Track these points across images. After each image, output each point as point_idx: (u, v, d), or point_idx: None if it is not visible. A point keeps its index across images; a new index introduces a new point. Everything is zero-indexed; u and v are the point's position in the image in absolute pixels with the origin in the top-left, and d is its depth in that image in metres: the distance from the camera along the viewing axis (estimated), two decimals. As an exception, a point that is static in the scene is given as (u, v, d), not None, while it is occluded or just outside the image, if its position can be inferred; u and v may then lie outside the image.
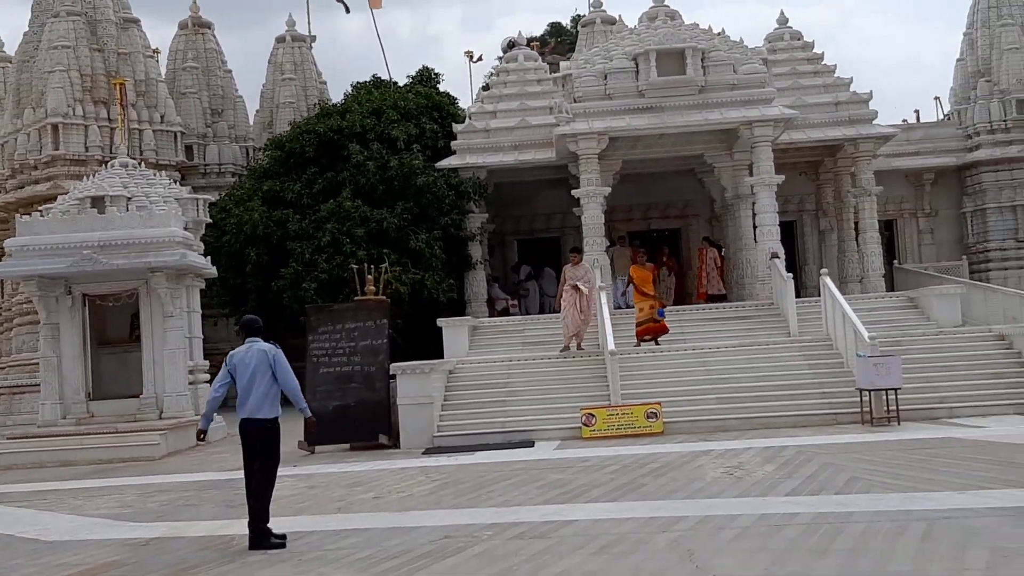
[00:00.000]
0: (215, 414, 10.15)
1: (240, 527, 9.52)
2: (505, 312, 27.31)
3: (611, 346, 18.17)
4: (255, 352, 9.43)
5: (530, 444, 16.20)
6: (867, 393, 16.19)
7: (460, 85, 52.14)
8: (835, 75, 28.07)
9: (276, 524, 9.39)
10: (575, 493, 11.06)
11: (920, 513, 8.71)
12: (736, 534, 8.37)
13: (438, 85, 31.36)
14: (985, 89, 30.60)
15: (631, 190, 28.39)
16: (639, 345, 20.10)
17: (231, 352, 9.60)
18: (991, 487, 9.84)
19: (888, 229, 31.07)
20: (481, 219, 27.29)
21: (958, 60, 31.93)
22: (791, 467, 11.97)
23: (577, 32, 37.15)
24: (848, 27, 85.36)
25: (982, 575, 6.61)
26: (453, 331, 22.03)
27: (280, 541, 9.12)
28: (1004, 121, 30.14)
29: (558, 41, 56.79)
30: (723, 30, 25.51)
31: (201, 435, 9.90)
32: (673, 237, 30.69)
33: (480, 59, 37.27)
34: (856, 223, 27.40)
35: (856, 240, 27.44)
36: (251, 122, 34.20)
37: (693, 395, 17.73)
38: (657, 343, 20.22)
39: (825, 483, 10.67)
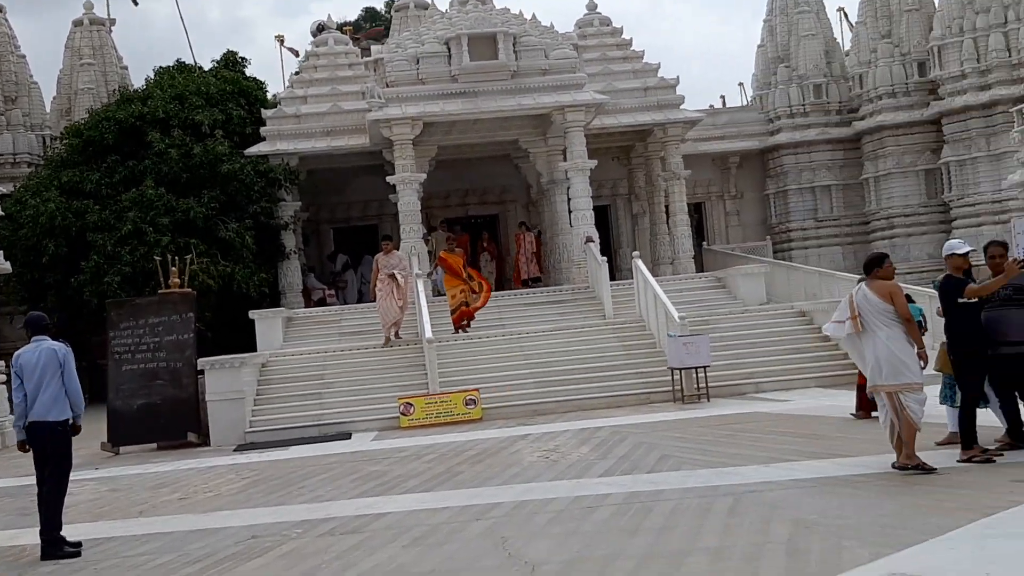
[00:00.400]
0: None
1: (33, 536, 8.93)
2: (322, 302, 26.82)
3: (429, 334, 18.01)
4: (44, 351, 8.86)
5: (347, 436, 15.90)
6: (678, 372, 16.56)
7: (275, 71, 50.95)
8: (644, 61, 28.62)
9: (73, 531, 8.85)
10: (391, 484, 10.84)
11: (727, 488, 8.87)
12: (550, 518, 8.32)
13: (244, 70, 30.49)
14: (784, 75, 31.77)
15: (448, 176, 28.28)
16: (457, 332, 20.00)
17: (16, 352, 9.00)
18: (795, 459, 10.13)
19: (697, 211, 31.96)
20: (294, 207, 26.67)
21: (759, 46, 33.06)
22: (605, 448, 12.08)
23: (391, 17, 36.70)
24: (658, 13, 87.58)
25: (784, 548, 6.72)
26: (266, 323, 21.45)
27: (74, 550, 8.57)
28: (803, 105, 31.37)
29: (373, 26, 56.15)
30: (534, 15, 25.64)
31: (24, 446, 9.08)
32: (491, 223, 30.75)
33: (297, 54, 36.35)
34: (667, 206, 28.02)
35: (667, 223, 28.07)
36: (48, 109, 32.39)
37: (511, 380, 17.77)
38: (466, 329, 20.13)
39: (638, 462, 10.79)
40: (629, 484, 9.51)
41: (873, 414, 12.52)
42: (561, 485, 9.84)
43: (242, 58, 30.70)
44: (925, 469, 8.64)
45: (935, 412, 10.11)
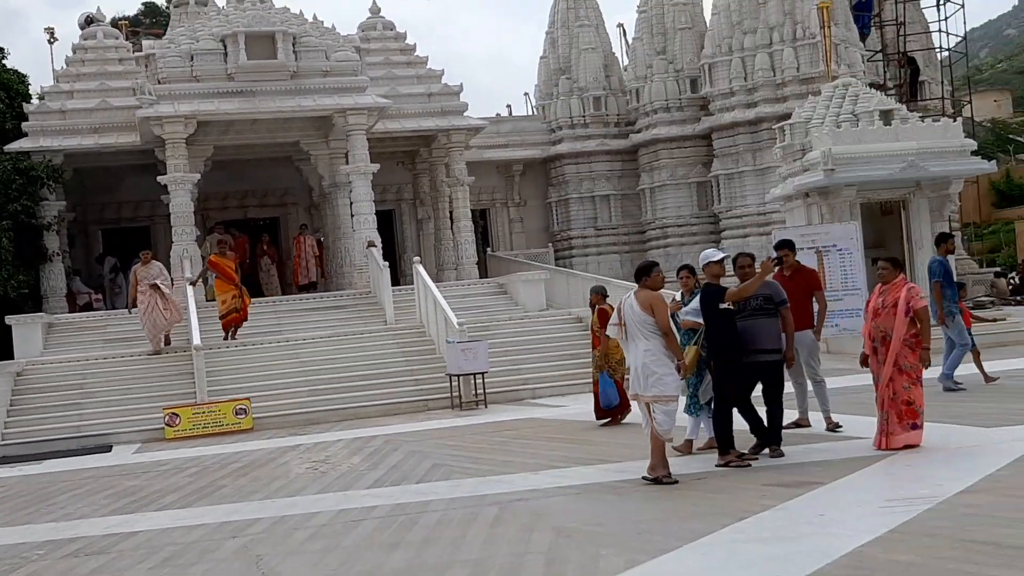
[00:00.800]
0: None
1: None
2: (88, 307, 25.48)
3: (197, 340, 17.33)
4: None
5: (107, 449, 15.12)
6: (456, 378, 16.51)
7: (47, 65, 48.06)
8: (428, 67, 28.59)
9: None
10: (146, 501, 10.29)
11: (494, 497, 8.81)
12: (310, 534, 8.04)
13: (3, 61, 28.63)
14: (566, 86, 32.36)
15: (226, 177, 27.42)
16: (227, 338, 19.31)
17: None
18: (563, 466, 10.18)
19: (483, 218, 32.18)
20: (58, 207, 25.20)
21: (541, 58, 33.54)
22: (377, 457, 11.87)
23: (170, 12, 35.27)
24: (450, 21, 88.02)
25: (543, 557, 6.68)
26: (24, 329, 20.16)
27: None
28: (583, 117, 32.01)
29: (153, 22, 54.02)
30: (315, 16, 25.12)
31: None
32: (272, 225, 30.00)
33: (56, 39, 34.35)
34: (451, 212, 28.06)
35: (452, 229, 28.10)
36: None
37: (285, 388, 17.33)
38: (234, 336, 19.43)
39: (408, 472, 10.62)
40: (397, 495, 9.34)
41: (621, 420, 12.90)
42: (327, 498, 9.57)
43: (0, 48, 28.87)
44: (665, 482, 8.70)
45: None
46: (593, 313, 13.71)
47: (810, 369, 10.91)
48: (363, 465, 11.39)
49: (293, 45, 23.85)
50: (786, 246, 11.18)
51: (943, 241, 14.30)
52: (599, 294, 13.79)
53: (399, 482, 10.08)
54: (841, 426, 10.69)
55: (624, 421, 13.04)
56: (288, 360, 18.39)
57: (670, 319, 8.82)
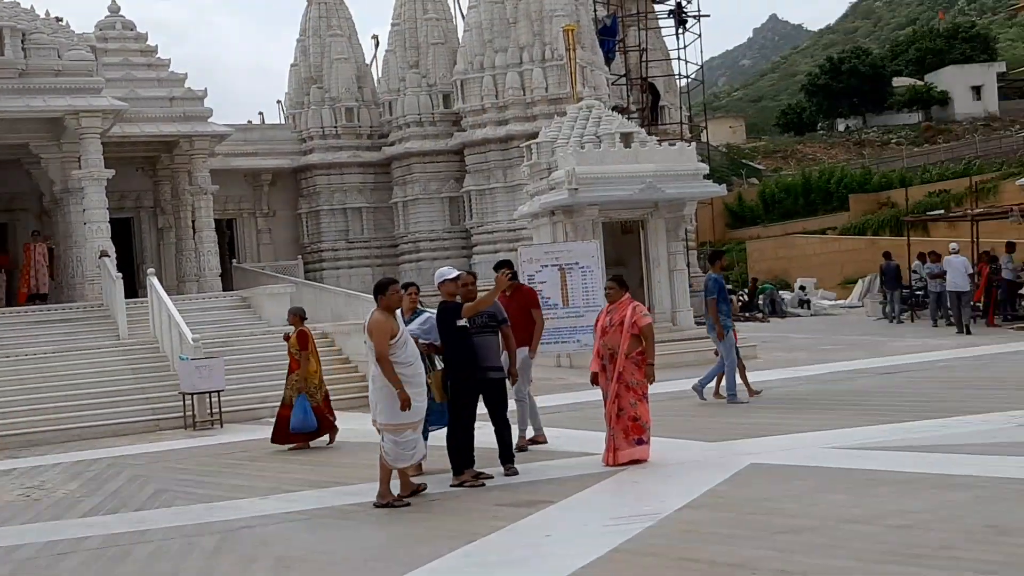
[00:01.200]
0: None
1: None
2: None
3: (-100, 356, 15.86)
4: None
5: None
6: (191, 397, 15.80)
7: None
8: (170, 70, 27.48)
9: None
10: None
11: (219, 525, 8.39)
12: (11, 570, 7.40)
13: None
14: (317, 96, 31.87)
15: (-51, 180, 25.42)
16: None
17: None
18: (296, 489, 9.85)
19: (229, 228, 31.22)
20: None
21: (292, 66, 32.92)
22: (97, 483, 11.16)
23: None
24: (203, 24, 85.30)
25: (260, 590, 6.39)
26: None
27: None
28: (335, 128, 31.61)
29: None
30: (47, 12, 23.68)
31: None
32: (0, 232, 28.00)
33: None
34: (194, 221, 27.02)
35: (194, 239, 27.05)
36: None
37: (2, 408, 16.06)
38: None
39: (128, 499, 10.01)
40: (112, 524, 8.76)
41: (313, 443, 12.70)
42: (34, 529, 8.88)
43: None
44: (396, 506, 8.51)
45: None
46: (291, 335, 13.28)
47: (518, 386, 10.87)
48: (80, 491, 10.66)
49: (22, 42, 22.40)
50: (506, 265, 11.22)
51: (717, 259, 14.80)
52: (297, 315, 13.39)
53: (117, 510, 9.48)
54: (527, 448, 10.79)
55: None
56: (7, 377, 17.11)
57: (388, 346, 8.49)
